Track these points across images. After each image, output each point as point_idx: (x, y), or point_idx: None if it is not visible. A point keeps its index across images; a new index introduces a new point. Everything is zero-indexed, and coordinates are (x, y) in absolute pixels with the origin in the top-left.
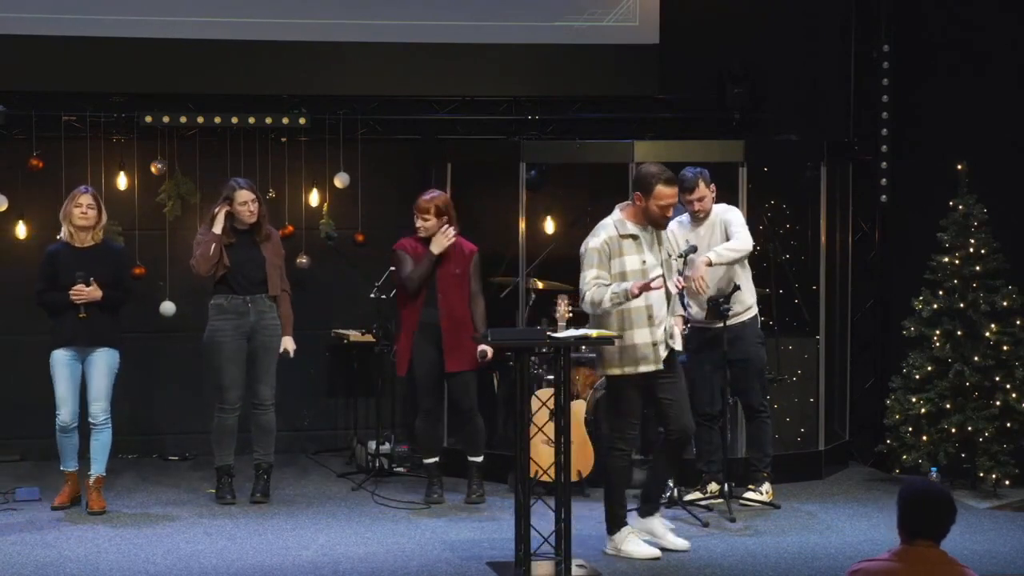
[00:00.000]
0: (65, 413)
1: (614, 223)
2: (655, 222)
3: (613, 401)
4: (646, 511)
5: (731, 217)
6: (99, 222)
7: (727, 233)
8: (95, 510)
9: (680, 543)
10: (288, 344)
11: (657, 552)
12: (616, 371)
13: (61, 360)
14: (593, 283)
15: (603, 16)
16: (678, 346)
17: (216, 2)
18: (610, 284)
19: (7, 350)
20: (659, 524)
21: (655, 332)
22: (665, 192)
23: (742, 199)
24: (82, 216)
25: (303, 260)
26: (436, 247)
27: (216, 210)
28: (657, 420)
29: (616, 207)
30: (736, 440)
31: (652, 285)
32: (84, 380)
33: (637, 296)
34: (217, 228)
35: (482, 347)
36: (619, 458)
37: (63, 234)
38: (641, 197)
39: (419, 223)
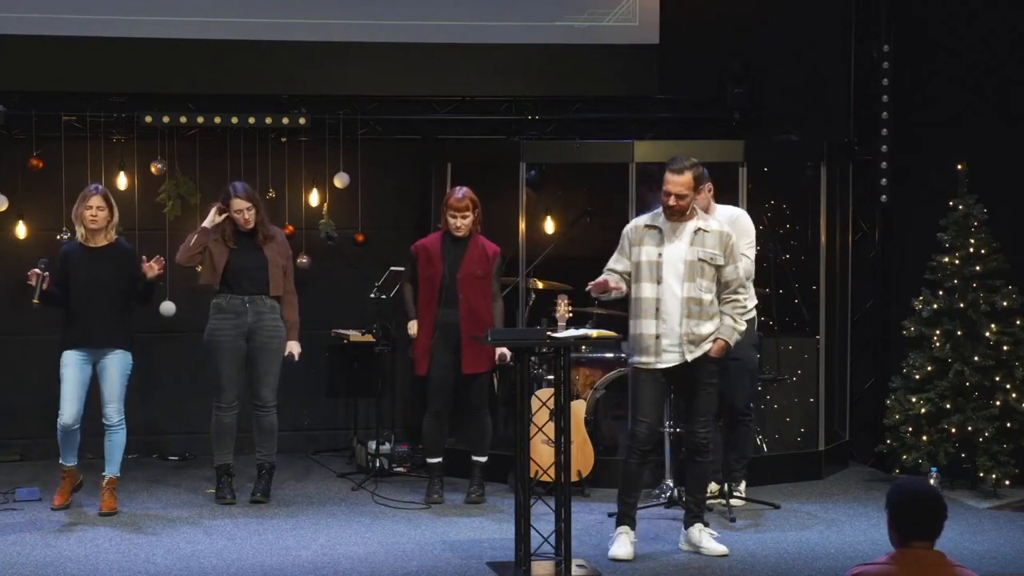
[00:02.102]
0: (67, 414)
1: (651, 213)
2: (663, 210)
3: (629, 395)
4: (685, 522)
5: (743, 226)
6: (111, 222)
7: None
8: (106, 511)
9: (717, 548)
10: (294, 348)
11: (622, 554)
12: (631, 360)
13: (71, 361)
14: (606, 271)
15: (603, 16)
16: (690, 357)
17: (216, 2)
18: (620, 277)
19: (7, 350)
20: (696, 532)
21: (660, 326)
22: (666, 178)
23: (742, 199)
24: (92, 219)
25: (303, 260)
26: None
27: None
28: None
29: None
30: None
31: (601, 284)
32: (95, 381)
33: (593, 290)
34: (207, 223)
35: (502, 349)
36: (626, 452)
37: (77, 234)
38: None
39: (458, 222)
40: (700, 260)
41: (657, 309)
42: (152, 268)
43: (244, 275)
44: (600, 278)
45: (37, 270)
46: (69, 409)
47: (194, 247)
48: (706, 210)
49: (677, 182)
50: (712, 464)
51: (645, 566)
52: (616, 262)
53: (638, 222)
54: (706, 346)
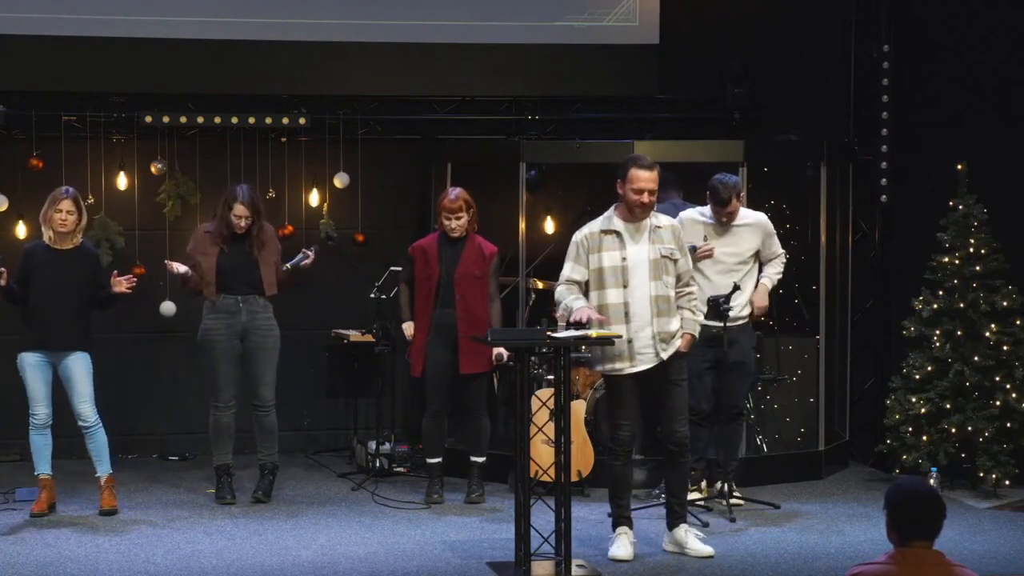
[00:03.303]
0: (41, 411)
1: (602, 218)
2: (631, 210)
3: (605, 399)
4: (669, 523)
5: (772, 231)
6: (79, 225)
7: (763, 246)
8: (107, 509)
9: (704, 549)
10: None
11: (622, 554)
12: (600, 368)
13: (31, 362)
14: (565, 281)
15: (603, 16)
16: (665, 355)
17: (216, 2)
18: (579, 287)
19: (7, 350)
20: (681, 532)
21: (630, 330)
22: (639, 175)
23: (742, 199)
24: (61, 224)
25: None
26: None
27: (177, 270)
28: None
29: (613, 204)
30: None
31: (588, 318)
32: (60, 384)
33: (581, 322)
34: (180, 270)
35: (499, 349)
36: (610, 456)
37: (44, 236)
38: (621, 183)
39: (453, 223)
40: (663, 257)
41: (626, 313)
42: (120, 284)
43: (236, 276)
44: (587, 311)
45: None
46: (43, 409)
47: (189, 287)
48: (735, 215)
49: (650, 178)
50: (703, 462)
51: (645, 566)
52: (574, 271)
53: (592, 229)
54: (676, 342)
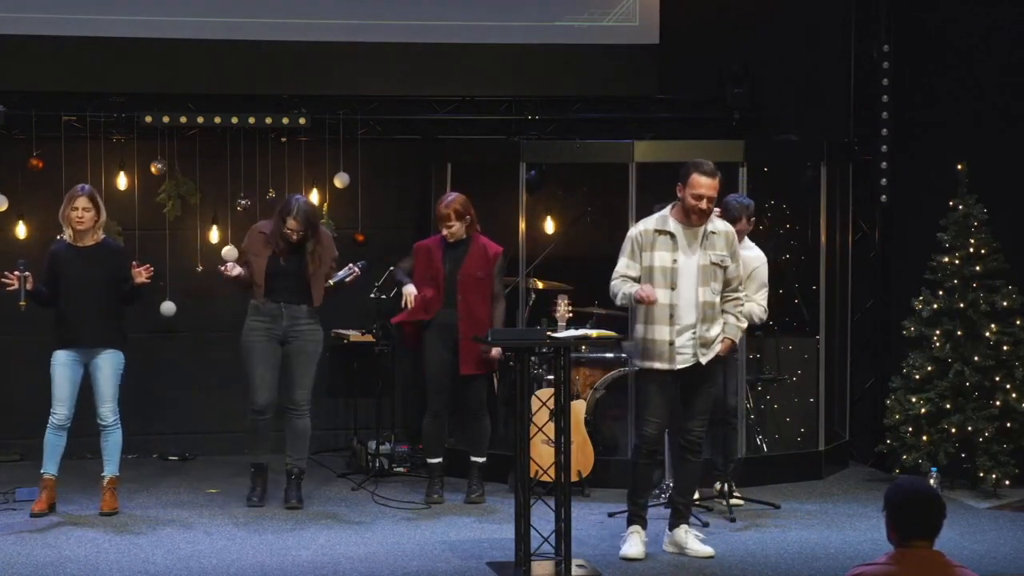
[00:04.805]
0: (61, 412)
1: (657, 217)
2: (688, 214)
3: (636, 396)
4: (671, 523)
5: (760, 277)
6: (98, 221)
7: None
8: (107, 511)
9: (704, 550)
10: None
11: (633, 553)
12: (638, 364)
13: (62, 360)
14: (620, 277)
15: (603, 16)
16: (704, 359)
17: (216, 2)
18: (636, 279)
19: (7, 350)
20: (682, 533)
21: (674, 332)
22: (700, 181)
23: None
24: (79, 221)
25: None
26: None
27: (231, 272)
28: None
29: (670, 204)
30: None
31: (647, 297)
32: (87, 382)
33: (640, 303)
34: (234, 272)
35: (494, 350)
36: (635, 453)
37: (65, 235)
38: (680, 187)
39: (445, 231)
40: (713, 264)
41: (671, 315)
42: (140, 275)
43: (286, 284)
44: (649, 287)
45: (17, 271)
46: (62, 409)
47: (240, 284)
48: (742, 236)
49: (711, 185)
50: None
51: (646, 566)
52: (629, 268)
53: (647, 226)
54: (716, 347)
